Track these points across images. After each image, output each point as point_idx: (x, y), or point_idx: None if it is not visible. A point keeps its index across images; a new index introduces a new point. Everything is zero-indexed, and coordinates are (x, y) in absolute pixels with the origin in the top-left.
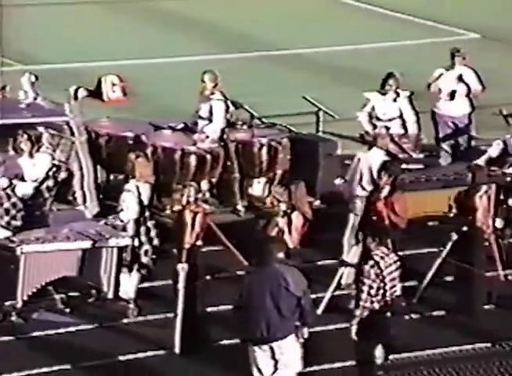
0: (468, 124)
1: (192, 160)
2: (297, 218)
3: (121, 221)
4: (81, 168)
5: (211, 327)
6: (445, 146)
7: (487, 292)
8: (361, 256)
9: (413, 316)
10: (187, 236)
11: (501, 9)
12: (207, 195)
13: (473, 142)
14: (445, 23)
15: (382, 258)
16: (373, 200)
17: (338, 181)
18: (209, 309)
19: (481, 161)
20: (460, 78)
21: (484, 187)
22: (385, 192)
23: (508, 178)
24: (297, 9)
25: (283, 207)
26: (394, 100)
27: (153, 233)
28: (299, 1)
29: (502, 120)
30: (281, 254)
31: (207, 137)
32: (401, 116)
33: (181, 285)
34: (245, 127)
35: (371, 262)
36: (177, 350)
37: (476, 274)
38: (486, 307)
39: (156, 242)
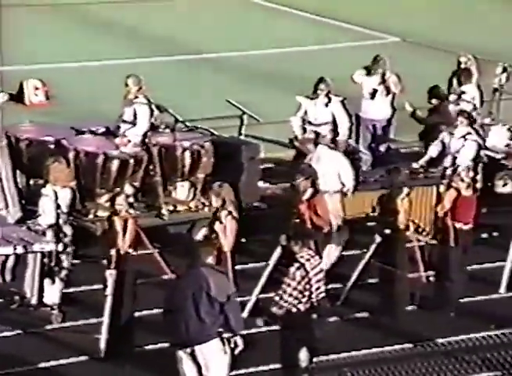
0: (388, 128)
1: (115, 164)
2: (230, 222)
3: (39, 225)
4: None
5: (137, 332)
6: (365, 149)
7: (409, 293)
8: (286, 258)
9: (338, 317)
10: (117, 242)
11: (421, 13)
12: (132, 199)
13: (393, 145)
14: (366, 27)
15: (308, 260)
16: (295, 203)
17: (262, 184)
18: (136, 314)
19: (422, 162)
20: (381, 80)
21: (406, 190)
22: (307, 194)
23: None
24: (224, 14)
25: (223, 213)
26: (326, 105)
27: (72, 238)
28: (226, 5)
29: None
30: (210, 259)
31: (129, 141)
32: (333, 121)
33: (108, 291)
34: (168, 130)
35: (296, 264)
36: (102, 356)
37: (398, 276)
38: (408, 308)
39: (71, 247)
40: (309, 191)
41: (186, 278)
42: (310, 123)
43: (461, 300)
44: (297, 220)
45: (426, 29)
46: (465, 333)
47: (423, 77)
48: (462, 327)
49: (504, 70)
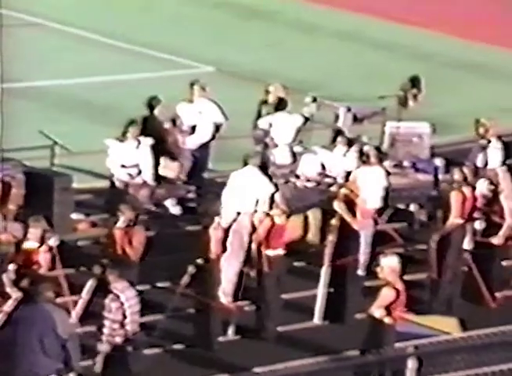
0: (207, 156)
1: None
2: (48, 254)
3: None
4: None
5: None
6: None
7: (225, 323)
8: (102, 289)
9: (155, 350)
10: None
11: (236, 42)
12: None
13: (210, 175)
14: (179, 56)
15: (122, 291)
16: (110, 230)
17: (76, 215)
18: None
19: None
20: (201, 111)
21: (217, 218)
22: (122, 222)
23: None
24: (40, 43)
25: (44, 247)
26: (137, 147)
27: None
28: (42, 34)
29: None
30: (51, 293)
31: None
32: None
33: None
34: None
35: (111, 296)
36: None
37: (211, 306)
38: (227, 338)
39: None
40: (123, 219)
41: (29, 312)
42: (123, 166)
43: (278, 328)
44: (110, 249)
45: (240, 59)
46: (282, 361)
47: (237, 107)
48: (279, 356)
49: (314, 99)
